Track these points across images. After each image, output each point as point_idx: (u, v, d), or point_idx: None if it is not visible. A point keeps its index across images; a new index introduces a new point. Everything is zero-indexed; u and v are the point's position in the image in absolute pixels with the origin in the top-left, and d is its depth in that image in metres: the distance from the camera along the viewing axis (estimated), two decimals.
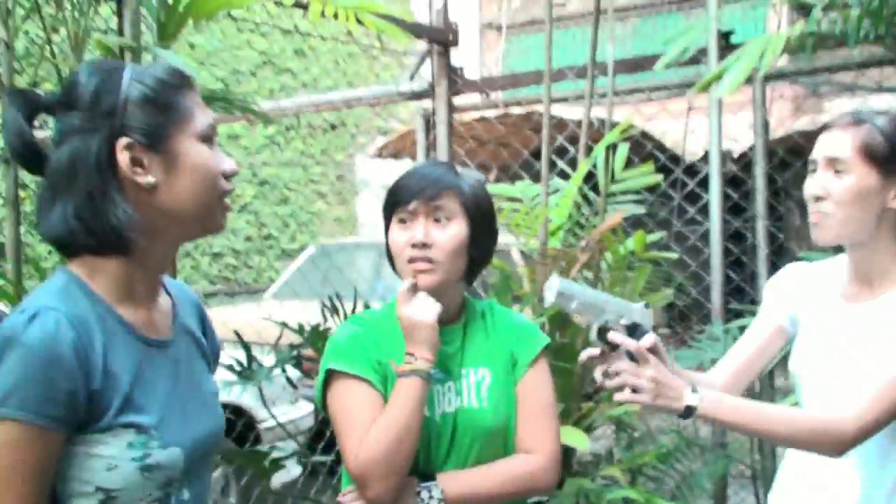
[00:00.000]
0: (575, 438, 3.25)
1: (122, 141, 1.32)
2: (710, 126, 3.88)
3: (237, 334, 3.51)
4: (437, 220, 1.80)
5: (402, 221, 1.82)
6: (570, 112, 5.54)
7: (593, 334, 1.68)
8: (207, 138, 1.40)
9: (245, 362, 3.50)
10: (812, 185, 1.79)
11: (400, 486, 1.71)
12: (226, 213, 1.45)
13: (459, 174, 1.87)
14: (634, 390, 1.64)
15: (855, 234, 1.77)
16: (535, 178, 3.99)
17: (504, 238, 4.44)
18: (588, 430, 3.59)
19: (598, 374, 1.70)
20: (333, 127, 10.78)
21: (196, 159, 1.37)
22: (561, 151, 4.24)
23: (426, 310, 1.75)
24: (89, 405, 1.27)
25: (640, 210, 3.83)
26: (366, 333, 1.85)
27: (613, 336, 1.64)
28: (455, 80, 4.48)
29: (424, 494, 1.73)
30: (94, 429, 1.28)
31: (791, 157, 4.27)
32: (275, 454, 3.37)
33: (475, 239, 1.84)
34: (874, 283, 1.81)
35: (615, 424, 3.76)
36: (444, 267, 1.79)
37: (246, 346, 3.50)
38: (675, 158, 4.47)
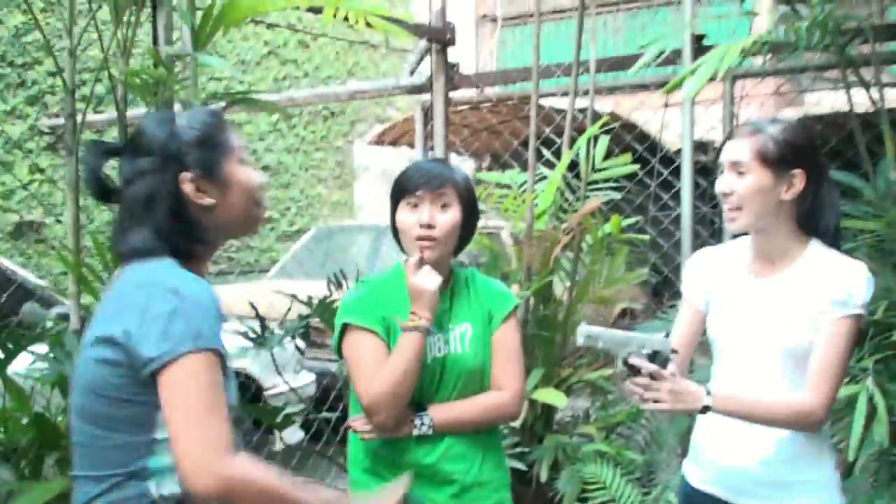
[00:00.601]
0: (554, 398, 3.66)
1: (186, 175, 1.67)
2: (683, 120, 4.26)
3: (252, 306, 3.89)
4: (442, 206, 2.21)
5: (412, 206, 2.22)
6: (560, 102, 5.91)
7: (620, 364, 2.06)
8: (244, 160, 1.77)
9: (259, 331, 3.89)
10: (721, 185, 2.15)
11: (401, 415, 2.16)
12: (263, 215, 1.82)
13: (453, 169, 2.28)
14: (656, 401, 2.02)
15: (758, 223, 2.13)
16: (525, 166, 4.38)
17: (495, 221, 4.82)
18: (567, 392, 4.00)
19: (627, 389, 2.06)
20: (333, 114, 11.13)
21: (242, 179, 1.74)
22: (548, 142, 4.61)
23: (431, 280, 2.17)
24: None
25: (618, 196, 4.21)
26: (372, 294, 2.27)
27: (633, 361, 2.02)
28: (452, 76, 4.85)
29: (418, 421, 2.18)
30: None
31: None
32: (286, 411, 3.77)
33: (465, 222, 2.26)
34: (776, 262, 2.18)
35: (591, 388, 4.17)
36: (443, 244, 2.21)
37: (260, 317, 3.89)
38: (655, 148, 4.84)
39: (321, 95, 5.28)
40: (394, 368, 2.13)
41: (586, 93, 4.38)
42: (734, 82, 4.30)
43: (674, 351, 2.08)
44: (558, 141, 4.45)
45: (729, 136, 2.19)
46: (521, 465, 3.62)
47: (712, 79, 3.17)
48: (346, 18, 3.34)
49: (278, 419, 3.74)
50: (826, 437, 2.21)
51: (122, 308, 1.56)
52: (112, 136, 5.88)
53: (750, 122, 2.18)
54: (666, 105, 4.74)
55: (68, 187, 2.80)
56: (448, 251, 2.25)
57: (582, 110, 4.33)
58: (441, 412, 2.21)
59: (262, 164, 10.33)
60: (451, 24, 4.80)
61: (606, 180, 4.21)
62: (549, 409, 3.99)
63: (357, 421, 2.22)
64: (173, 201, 1.67)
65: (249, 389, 4.96)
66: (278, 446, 5.11)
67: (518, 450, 3.70)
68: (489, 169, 9.22)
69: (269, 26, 9.32)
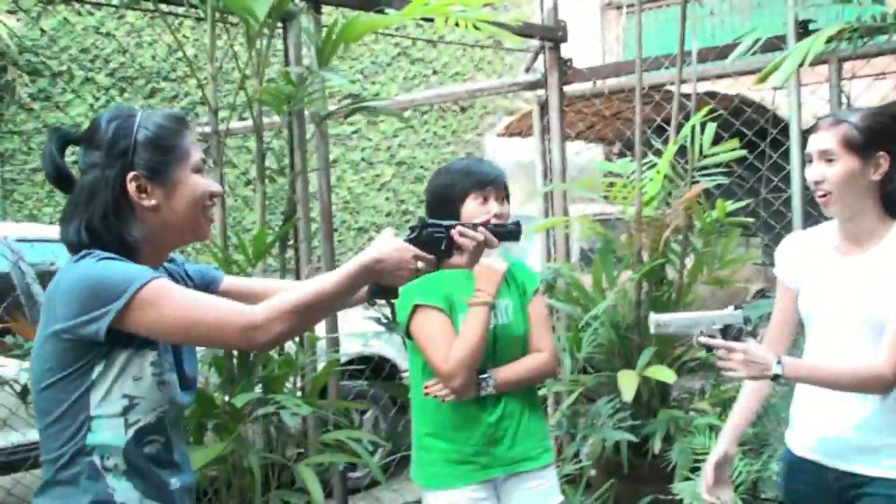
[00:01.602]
0: (664, 374, 3.86)
1: (131, 174, 1.70)
2: (790, 103, 4.37)
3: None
4: (503, 201, 2.58)
5: (482, 200, 2.55)
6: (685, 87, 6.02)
7: (695, 342, 2.30)
8: (199, 169, 1.78)
9: (390, 316, 4.23)
10: (812, 173, 2.32)
11: (473, 379, 2.53)
12: (210, 223, 1.83)
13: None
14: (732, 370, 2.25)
15: (851, 205, 2.30)
16: (651, 152, 4.56)
17: (608, 208, 5.01)
18: (681, 370, 4.19)
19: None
20: (463, 109, 11.49)
21: (189, 187, 1.75)
22: (663, 129, 4.76)
23: (500, 264, 2.55)
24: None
25: (726, 181, 4.35)
26: (432, 276, 2.57)
27: (702, 340, 2.26)
28: (565, 71, 5.09)
29: (483, 384, 2.57)
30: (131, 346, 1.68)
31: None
32: None
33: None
34: (862, 243, 2.33)
35: (704, 366, 4.34)
36: None
37: (391, 303, 4.22)
38: (777, 121, 4.91)
39: (441, 96, 5.61)
40: (468, 339, 2.49)
41: (698, 79, 4.53)
42: (840, 64, 4.37)
43: (747, 321, 2.29)
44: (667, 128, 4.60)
45: (813, 129, 2.36)
46: (635, 438, 3.84)
47: (812, 63, 3.31)
48: (457, 24, 3.64)
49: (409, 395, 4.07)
50: None
51: (56, 306, 1.64)
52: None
53: (830, 115, 2.38)
54: (776, 88, 4.83)
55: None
56: None
57: (686, 95, 4.46)
58: (500, 374, 2.59)
59: (395, 160, 10.77)
60: (563, 21, 5.04)
61: (716, 165, 4.35)
62: (663, 386, 4.18)
63: (434, 386, 2.58)
64: (113, 197, 1.69)
65: (384, 370, 5.33)
66: None
67: (632, 423, 3.92)
68: (620, 154, 9.37)
69: (397, 29, 9.72)
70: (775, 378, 2.22)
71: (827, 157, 2.28)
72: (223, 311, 1.64)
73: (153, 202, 1.72)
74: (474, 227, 1.98)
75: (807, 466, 2.41)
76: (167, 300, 1.61)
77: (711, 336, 2.26)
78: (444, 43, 10.12)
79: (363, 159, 10.68)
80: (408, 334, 2.64)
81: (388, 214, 10.86)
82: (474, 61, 11.60)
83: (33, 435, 3.40)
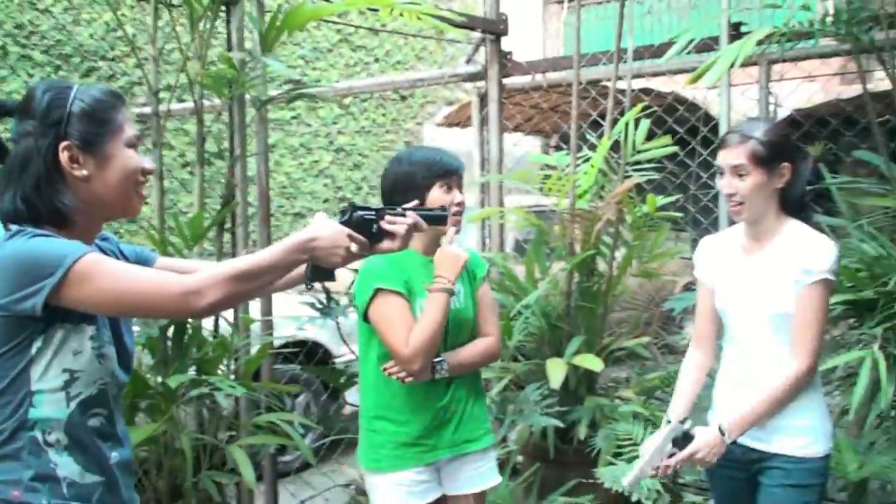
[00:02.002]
0: (591, 363, 3.96)
1: (63, 144, 1.71)
2: (720, 103, 4.52)
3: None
4: (462, 190, 2.67)
5: (447, 188, 2.62)
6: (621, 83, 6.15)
7: (662, 474, 2.51)
8: (132, 145, 1.79)
9: (325, 302, 4.27)
10: (725, 186, 2.53)
11: (430, 363, 2.58)
12: (141, 198, 1.84)
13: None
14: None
15: (758, 211, 2.52)
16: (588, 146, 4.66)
17: (543, 200, 5.12)
18: (608, 360, 4.31)
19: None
20: (403, 98, 11.53)
21: (122, 161, 1.76)
22: (599, 124, 4.87)
23: (462, 252, 2.60)
24: None
25: (657, 176, 4.48)
26: (392, 262, 2.65)
27: (671, 469, 2.47)
28: (505, 64, 5.17)
29: (438, 367, 2.62)
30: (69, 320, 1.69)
31: (833, 119, 4.88)
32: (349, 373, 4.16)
33: None
34: (762, 240, 2.56)
35: (630, 355, 4.46)
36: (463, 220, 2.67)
37: (326, 289, 4.26)
38: (708, 119, 5.05)
39: (381, 84, 5.64)
40: (428, 324, 2.54)
41: (634, 77, 4.64)
42: (769, 66, 4.53)
43: (681, 422, 2.55)
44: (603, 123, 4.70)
45: (722, 143, 2.57)
46: (561, 424, 3.94)
47: (743, 65, 3.42)
48: (400, 14, 3.69)
49: (342, 380, 4.13)
50: (812, 390, 2.53)
51: None
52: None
53: (736, 130, 2.57)
54: (708, 88, 4.97)
55: (154, 175, 3.24)
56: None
57: (621, 91, 4.57)
58: (452, 358, 2.66)
59: (334, 147, 10.76)
60: (504, 14, 5.12)
61: (648, 161, 4.47)
62: (590, 374, 4.29)
63: (392, 367, 2.62)
64: (45, 167, 1.71)
65: (317, 355, 5.37)
66: (347, 410, 5.54)
67: (559, 409, 4.02)
68: (557, 148, 9.49)
69: (340, 15, 9.72)
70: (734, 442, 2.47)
71: (738, 171, 2.50)
72: (159, 280, 1.67)
73: (84, 173, 1.73)
74: (402, 212, 2.03)
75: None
76: (102, 273, 1.62)
77: (671, 455, 2.50)
78: (386, 32, 10.13)
79: (302, 145, 10.65)
80: (365, 318, 2.66)
81: (325, 201, 10.86)
82: (415, 51, 11.64)
83: None
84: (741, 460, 2.59)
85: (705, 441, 2.44)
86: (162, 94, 3.39)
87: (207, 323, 3.46)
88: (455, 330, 2.69)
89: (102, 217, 1.83)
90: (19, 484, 1.68)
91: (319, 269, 1.89)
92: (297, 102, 9.88)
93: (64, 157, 1.71)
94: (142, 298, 1.65)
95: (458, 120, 8.94)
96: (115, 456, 1.80)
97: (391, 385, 2.64)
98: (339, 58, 10.73)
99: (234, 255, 3.69)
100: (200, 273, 1.68)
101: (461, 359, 2.69)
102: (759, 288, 2.53)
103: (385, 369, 2.63)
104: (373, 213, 1.98)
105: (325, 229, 1.83)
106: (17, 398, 1.68)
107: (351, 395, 5.06)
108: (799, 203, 2.55)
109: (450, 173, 2.63)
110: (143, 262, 1.96)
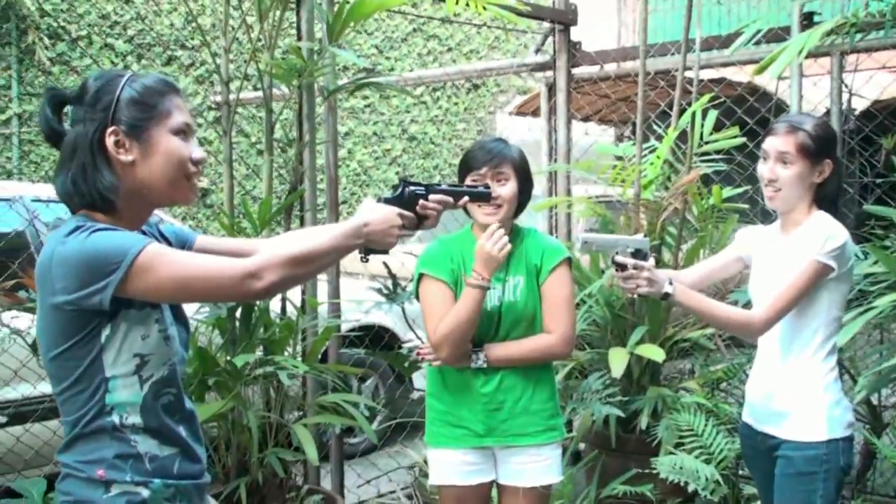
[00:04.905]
0: (653, 353, 3.97)
1: (110, 129, 1.74)
2: (791, 94, 4.47)
3: (385, 265, 4.34)
4: (501, 181, 2.65)
5: (475, 181, 2.65)
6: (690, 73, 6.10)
7: (611, 261, 2.50)
8: (180, 132, 1.80)
9: (392, 288, 4.35)
10: (767, 171, 2.57)
11: (463, 352, 2.65)
12: (194, 188, 1.85)
13: (509, 145, 2.71)
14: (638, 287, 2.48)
15: (792, 201, 2.57)
16: (653, 135, 4.67)
17: (610, 190, 5.13)
18: (671, 350, 4.31)
19: (617, 282, 2.54)
20: (476, 87, 11.57)
21: (167, 147, 1.78)
22: (668, 113, 4.85)
23: (501, 249, 2.57)
24: None
25: (725, 167, 4.45)
26: (444, 249, 2.75)
27: (618, 259, 2.46)
28: (574, 54, 5.18)
29: (474, 357, 2.67)
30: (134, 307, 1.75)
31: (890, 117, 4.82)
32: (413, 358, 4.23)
33: (521, 189, 2.70)
34: (790, 229, 2.62)
35: (694, 346, 4.45)
36: (504, 211, 2.66)
37: (392, 275, 4.34)
38: (779, 110, 4.99)
39: (449, 74, 5.70)
40: (455, 317, 2.61)
41: (702, 67, 4.62)
42: (843, 57, 4.46)
43: (653, 249, 2.56)
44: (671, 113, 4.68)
45: (770, 130, 2.60)
46: (623, 414, 3.96)
47: (816, 56, 3.40)
48: (468, 4, 3.73)
49: (406, 365, 4.20)
50: (820, 377, 2.57)
51: (54, 280, 1.69)
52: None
53: (787, 120, 2.61)
54: (779, 78, 4.91)
55: (224, 162, 3.36)
56: (509, 215, 2.69)
57: (690, 81, 4.54)
58: (494, 350, 2.69)
59: (406, 136, 10.86)
60: (573, 5, 5.13)
61: (716, 151, 4.44)
62: (653, 365, 4.29)
63: (424, 348, 2.75)
64: (92, 152, 1.74)
65: (384, 340, 5.46)
66: (414, 395, 5.63)
67: (621, 399, 4.04)
68: (630, 138, 9.42)
69: (413, 5, 9.79)
70: (665, 297, 2.47)
71: (783, 159, 2.54)
72: (218, 264, 1.73)
73: (130, 158, 1.76)
74: (445, 191, 2.14)
75: (747, 431, 2.76)
76: (163, 263, 1.67)
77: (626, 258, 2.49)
78: (457, 22, 10.19)
79: (375, 133, 10.78)
80: (418, 299, 2.78)
81: None
82: (488, 40, 11.67)
83: (44, 387, 3.56)
84: (762, 448, 2.67)
85: (652, 270, 2.45)
86: (235, 84, 3.50)
87: (274, 304, 3.56)
88: (507, 323, 2.71)
89: (151, 204, 1.86)
90: (103, 463, 1.74)
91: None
92: (369, 91, 10.03)
93: (110, 141, 1.75)
94: (202, 284, 1.71)
95: (529, 109, 8.94)
96: (183, 429, 1.87)
97: (436, 367, 2.75)
98: (412, 47, 10.82)
99: None
100: (259, 256, 1.75)
101: (504, 353, 2.70)
102: (776, 272, 2.59)
103: (419, 350, 2.75)
104: (422, 188, 2.07)
105: (377, 213, 1.91)
106: (92, 385, 1.74)
107: (417, 380, 5.17)
108: (832, 200, 2.60)
109: (476, 168, 2.65)
110: (183, 241, 2.02)
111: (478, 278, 2.59)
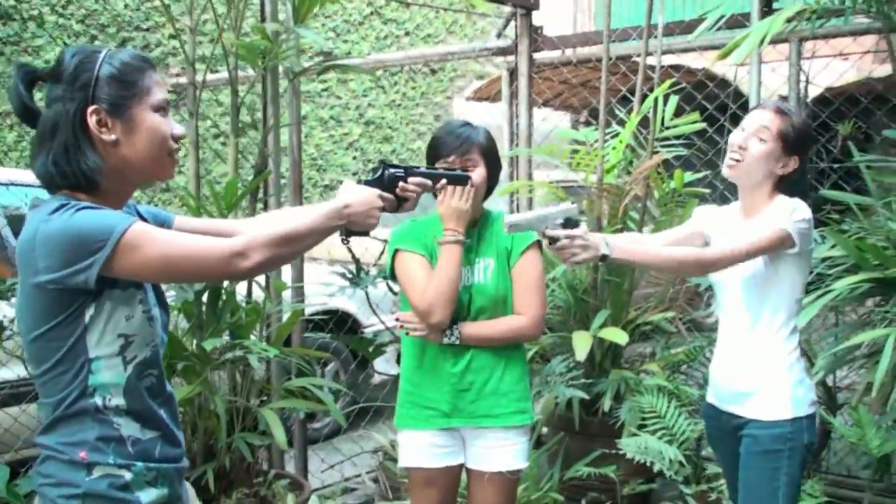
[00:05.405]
0: (615, 336, 4.02)
1: (91, 108, 1.71)
2: (750, 80, 4.51)
3: (349, 249, 4.32)
4: (467, 168, 2.63)
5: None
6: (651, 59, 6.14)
7: (542, 235, 2.47)
8: (160, 108, 1.79)
9: (354, 272, 4.34)
10: (740, 138, 2.57)
11: (450, 315, 2.61)
12: (174, 164, 1.84)
13: (477, 129, 2.69)
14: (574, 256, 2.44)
15: (749, 180, 2.59)
16: (616, 121, 4.69)
17: (572, 175, 5.17)
18: (633, 333, 4.36)
19: (555, 253, 2.50)
20: (433, 72, 11.54)
21: (149, 124, 1.76)
22: (629, 100, 4.88)
23: (465, 199, 2.56)
24: None
25: (685, 152, 4.50)
26: (415, 227, 2.76)
27: (550, 233, 2.42)
28: (535, 39, 5.19)
29: (448, 332, 2.65)
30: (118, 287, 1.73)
31: (865, 97, 4.90)
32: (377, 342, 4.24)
33: (490, 173, 2.70)
34: (751, 214, 2.63)
35: (655, 329, 4.51)
36: (474, 195, 2.62)
37: (356, 259, 4.32)
38: (738, 96, 5.05)
39: (411, 57, 5.68)
40: (440, 275, 2.59)
41: (663, 53, 4.65)
42: (801, 44, 4.52)
43: (582, 212, 2.48)
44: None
45: (761, 104, 2.64)
46: (586, 396, 4.00)
47: (774, 42, 3.43)
48: None
49: (370, 349, 4.21)
50: (783, 357, 2.60)
51: (37, 258, 1.66)
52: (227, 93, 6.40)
53: (777, 103, 2.64)
54: (738, 65, 4.97)
55: (189, 144, 3.32)
56: (478, 200, 2.69)
57: (651, 67, 4.58)
58: (468, 327, 2.68)
59: (364, 120, 10.81)
60: None
61: (677, 137, 4.49)
62: (615, 348, 4.35)
63: (406, 315, 2.69)
64: (73, 131, 1.71)
65: (346, 325, 5.45)
66: (376, 379, 5.63)
67: (585, 381, 4.08)
68: (587, 123, 9.48)
69: None
70: (604, 258, 2.44)
71: (761, 134, 2.55)
72: (205, 243, 1.73)
73: (113, 137, 1.73)
74: (424, 174, 2.17)
75: (711, 411, 2.78)
76: (149, 241, 1.66)
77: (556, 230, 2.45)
78: (417, 5, 10.15)
79: (332, 117, 10.71)
80: (393, 278, 2.76)
81: (354, 173, 10.92)
82: (446, 24, 11.64)
83: (4, 373, 3.50)
84: (727, 428, 2.68)
85: (591, 234, 2.43)
86: (197, 65, 3.46)
87: (240, 288, 3.54)
88: (478, 304, 2.70)
89: (133, 182, 1.84)
90: (85, 445, 1.73)
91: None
92: (327, 75, 9.95)
93: (92, 121, 1.72)
94: (189, 263, 1.70)
95: (487, 94, 8.94)
96: (164, 412, 1.86)
97: (409, 347, 2.75)
98: (370, 31, 10.76)
99: None
100: (244, 235, 1.75)
101: (476, 331, 2.68)
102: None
103: (397, 318, 2.72)
104: (402, 171, 2.08)
105: (358, 195, 1.92)
106: (76, 366, 1.72)
107: (379, 364, 5.17)
108: (791, 194, 2.59)
109: (442, 155, 2.65)
110: (161, 221, 2.00)
111: (451, 234, 2.59)
